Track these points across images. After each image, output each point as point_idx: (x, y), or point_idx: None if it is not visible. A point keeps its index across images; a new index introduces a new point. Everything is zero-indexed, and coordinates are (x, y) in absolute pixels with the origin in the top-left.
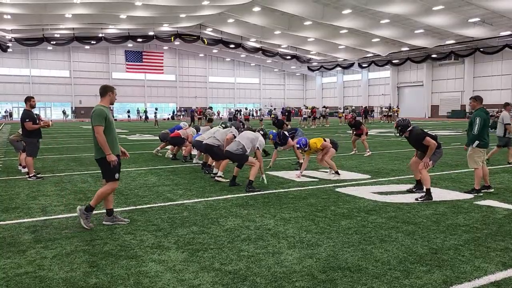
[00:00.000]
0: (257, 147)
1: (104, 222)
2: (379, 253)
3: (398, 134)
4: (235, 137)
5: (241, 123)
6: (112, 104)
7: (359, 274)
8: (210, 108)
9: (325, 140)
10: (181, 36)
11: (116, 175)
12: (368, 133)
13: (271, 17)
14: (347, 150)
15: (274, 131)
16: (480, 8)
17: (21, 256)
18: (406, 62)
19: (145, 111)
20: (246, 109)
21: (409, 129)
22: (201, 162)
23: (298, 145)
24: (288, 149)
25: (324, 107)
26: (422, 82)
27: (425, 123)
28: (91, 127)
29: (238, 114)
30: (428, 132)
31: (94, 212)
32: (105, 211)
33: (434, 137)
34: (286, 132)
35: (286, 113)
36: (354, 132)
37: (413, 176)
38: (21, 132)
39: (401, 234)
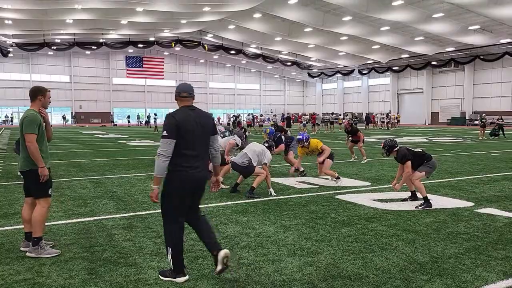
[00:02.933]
0: (265, 162)
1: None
2: (379, 261)
3: (385, 154)
4: (237, 144)
5: (243, 129)
6: (45, 108)
7: (360, 283)
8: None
9: None
10: (181, 42)
11: (49, 191)
12: (365, 140)
13: (271, 23)
14: (346, 157)
15: (273, 128)
16: (480, 15)
17: (19, 263)
18: (406, 69)
19: (149, 116)
20: (248, 115)
21: (396, 149)
22: None
23: (300, 137)
24: (276, 153)
25: (331, 113)
26: (422, 89)
27: (425, 129)
28: (20, 134)
29: (240, 118)
30: (417, 149)
31: (89, 219)
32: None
33: (422, 154)
34: (282, 137)
35: (286, 119)
36: (351, 139)
37: None
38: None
39: (402, 242)
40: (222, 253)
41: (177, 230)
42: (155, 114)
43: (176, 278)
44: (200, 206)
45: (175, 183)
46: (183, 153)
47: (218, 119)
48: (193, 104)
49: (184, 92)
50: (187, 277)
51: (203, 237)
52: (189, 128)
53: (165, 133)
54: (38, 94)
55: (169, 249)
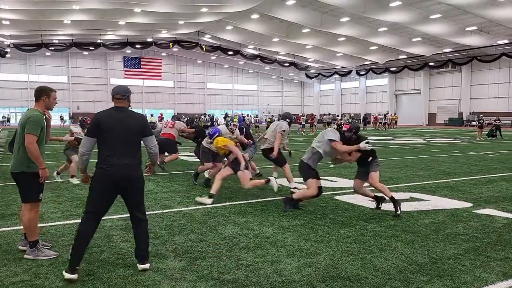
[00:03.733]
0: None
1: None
2: (378, 262)
3: (354, 136)
4: (284, 131)
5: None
6: (50, 109)
7: (359, 284)
8: (205, 114)
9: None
10: (179, 42)
11: (40, 195)
12: None
13: (269, 24)
14: None
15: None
16: (477, 16)
17: (17, 264)
18: (404, 70)
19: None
20: (248, 115)
21: (358, 133)
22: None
23: (209, 130)
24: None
25: (328, 114)
26: (420, 90)
27: (423, 130)
28: (19, 133)
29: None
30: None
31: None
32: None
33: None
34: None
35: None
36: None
37: (412, 183)
38: None
39: (401, 243)
40: (141, 267)
41: (84, 223)
42: (152, 115)
43: (65, 272)
44: (140, 208)
45: (95, 180)
46: (104, 152)
47: (216, 120)
48: (192, 105)
49: (117, 94)
50: (74, 276)
51: (136, 244)
52: (109, 127)
53: (86, 131)
54: (42, 94)
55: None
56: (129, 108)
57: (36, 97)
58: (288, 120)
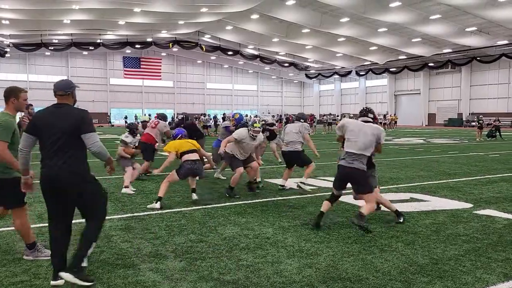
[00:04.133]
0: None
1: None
2: (379, 263)
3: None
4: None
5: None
6: (21, 111)
7: (360, 285)
8: (204, 114)
9: (184, 153)
10: (179, 42)
11: (25, 198)
12: None
13: (269, 24)
14: None
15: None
16: (477, 17)
17: (16, 265)
18: (403, 71)
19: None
20: (246, 115)
21: None
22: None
23: (174, 132)
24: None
25: (329, 114)
26: (419, 90)
27: (422, 131)
28: None
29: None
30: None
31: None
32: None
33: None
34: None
35: (286, 120)
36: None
37: (412, 184)
38: None
39: (401, 243)
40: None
41: (51, 229)
42: (149, 115)
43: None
44: (95, 216)
45: (40, 184)
46: (41, 153)
47: (216, 121)
48: (192, 105)
49: (59, 90)
50: (57, 282)
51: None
52: (44, 125)
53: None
54: (10, 95)
55: None
56: (74, 105)
57: (5, 99)
58: (302, 120)
